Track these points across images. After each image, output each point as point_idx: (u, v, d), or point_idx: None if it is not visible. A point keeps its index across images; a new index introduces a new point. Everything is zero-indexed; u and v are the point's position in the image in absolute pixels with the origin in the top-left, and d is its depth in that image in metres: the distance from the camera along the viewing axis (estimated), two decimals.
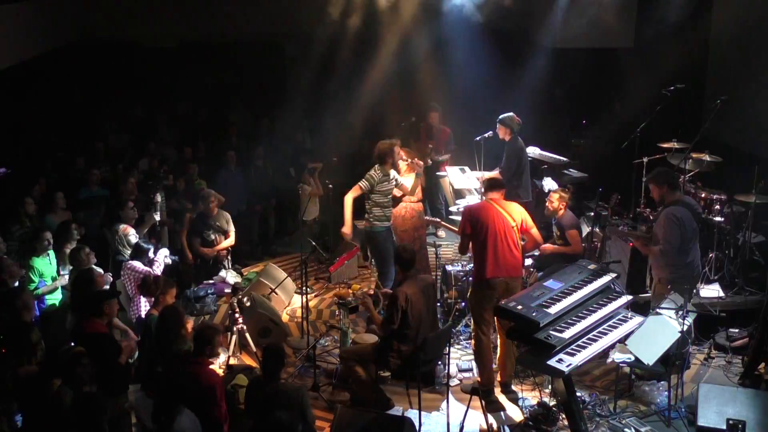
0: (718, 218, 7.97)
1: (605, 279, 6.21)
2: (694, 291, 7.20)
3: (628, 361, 6.31)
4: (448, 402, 6.18)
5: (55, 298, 7.31)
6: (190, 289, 8.60)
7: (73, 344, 5.92)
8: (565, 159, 9.67)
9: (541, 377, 6.62)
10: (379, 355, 6.51)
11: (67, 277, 7.34)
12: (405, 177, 8.46)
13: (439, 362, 6.85)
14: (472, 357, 7.00)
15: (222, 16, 12.56)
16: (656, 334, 6.07)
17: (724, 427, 5.68)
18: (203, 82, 13.10)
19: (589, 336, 5.73)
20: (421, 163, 8.54)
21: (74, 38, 12.18)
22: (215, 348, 5.74)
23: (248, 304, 7.49)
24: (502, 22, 11.72)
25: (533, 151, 9.40)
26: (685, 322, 6.13)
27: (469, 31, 11.31)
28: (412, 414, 6.13)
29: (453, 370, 6.99)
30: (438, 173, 10.32)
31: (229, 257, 9.21)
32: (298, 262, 8.67)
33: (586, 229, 8.41)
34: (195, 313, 8.37)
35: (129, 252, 7.91)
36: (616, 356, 6.37)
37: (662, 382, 6.55)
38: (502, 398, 6.66)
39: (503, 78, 11.15)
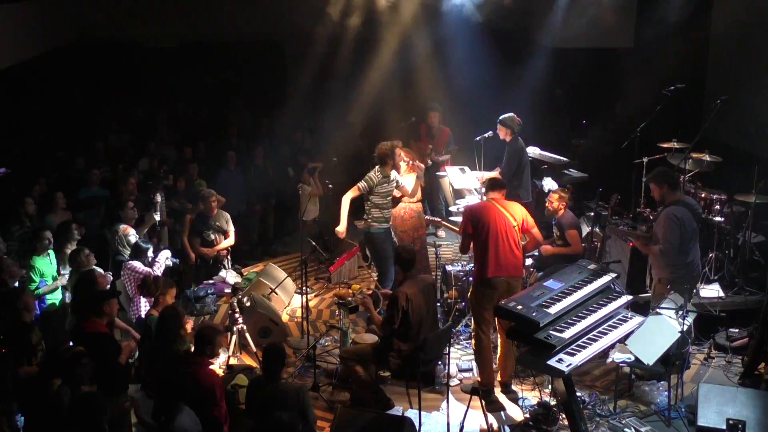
0: (718, 218, 7.97)
1: (605, 279, 6.21)
2: (694, 291, 7.20)
3: (628, 361, 6.31)
4: (448, 402, 6.17)
5: (55, 298, 7.31)
6: (190, 289, 8.60)
7: (72, 344, 5.93)
8: (565, 159, 9.66)
9: (541, 377, 6.62)
10: (379, 355, 6.51)
11: (67, 276, 7.34)
12: (405, 177, 8.46)
13: (439, 362, 6.85)
14: (472, 357, 7.00)
15: (222, 16, 12.56)
16: (656, 334, 6.07)
17: (724, 427, 5.69)
18: (203, 82, 13.09)
19: (589, 336, 5.73)
20: (423, 166, 8.54)
21: (74, 38, 12.19)
22: (216, 348, 5.75)
23: (248, 304, 7.49)
24: (502, 22, 11.72)
25: (533, 151, 9.40)
26: (685, 322, 6.13)
27: (469, 30, 11.31)
28: (412, 414, 6.13)
29: (453, 370, 6.99)
30: (438, 173, 10.32)
31: (228, 257, 9.21)
32: (298, 262, 8.67)
33: (586, 229, 8.42)
34: (195, 313, 8.37)
35: (129, 252, 7.91)
36: (616, 356, 6.37)
37: (662, 382, 6.55)
38: (502, 398, 6.66)
39: (503, 78, 11.15)
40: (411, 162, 8.56)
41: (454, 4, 11.17)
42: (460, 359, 7.31)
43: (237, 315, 7.25)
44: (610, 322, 5.95)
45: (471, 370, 7.10)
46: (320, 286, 9.26)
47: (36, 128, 11.22)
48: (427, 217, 9.15)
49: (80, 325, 6.19)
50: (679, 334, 6.08)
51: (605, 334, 5.81)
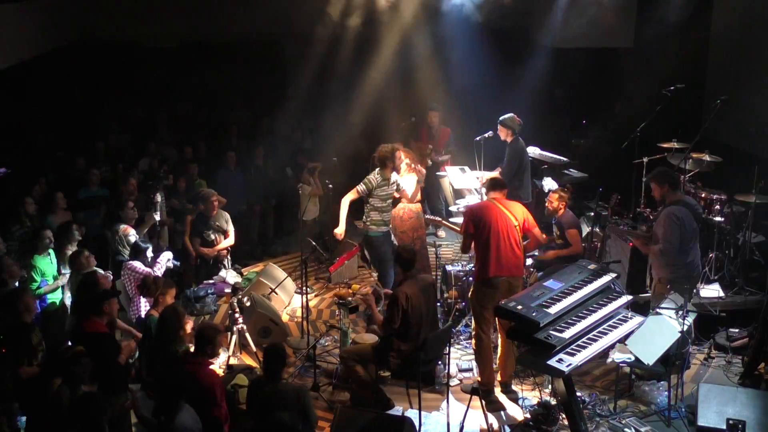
0: (718, 218, 7.97)
1: (605, 279, 6.21)
2: (694, 291, 7.21)
3: (628, 361, 6.32)
4: (448, 402, 6.17)
5: (55, 297, 7.32)
6: (190, 289, 8.60)
7: (72, 344, 5.93)
8: (565, 159, 9.67)
9: (541, 377, 6.63)
10: (379, 355, 6.51)
11: (68, 276, 7.34)
12: (405, 177, 8.45)
13: (439, 362, 6.85)
14: (472, 357, 7.00)
15: (222, 16, 12.56)
16: (656, 334, 6.07)
17: (724, 427, 5.69)
18: (203, 82, 13.10)
19: (589, 336, 5.73)
20: (424, 171, 8.53)
21: (74, 38, 12.19)
22: (216, 347, 5.75)
23: (248, 304, 7.49)
24: (502, 22, 11.72)
25: (533, 151, 9.40)
26: (685, 322, 6.13)
27: (469, 30, 11.31)
28: (412, 414, 6.13)
29: (453, 370, 6.99)
30: (438, 173, 10.32)
31: (228, 257, 9.21)
32: (298, 262, 8.66)
33: (586, 229, 8.42)
34: (195, 313, 8.37)
35: (129, 252, 7.91)
36: (616, 356, 6.37)
37: (662, 382, 6.55)
38: (502, 398, 6.66)
39: (503, 78, 11.15)
40: (413, 165, 8.54)
41: (454, 4, 11.17)
42: (460, 359, 7.31)
43: (237, 315, 7.25)
44: (610, 322, 5.95)
45: (471, 370, 7.10)
46: (320, 286, 9.27)
47: (36, 128, 11.22)
48: (427, 216, 9.15)
49: (80, 325, 6.20)
50: (679, 334, 6.08)
51: (605, 334, 5.81)
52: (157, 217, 8.84)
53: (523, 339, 5.70)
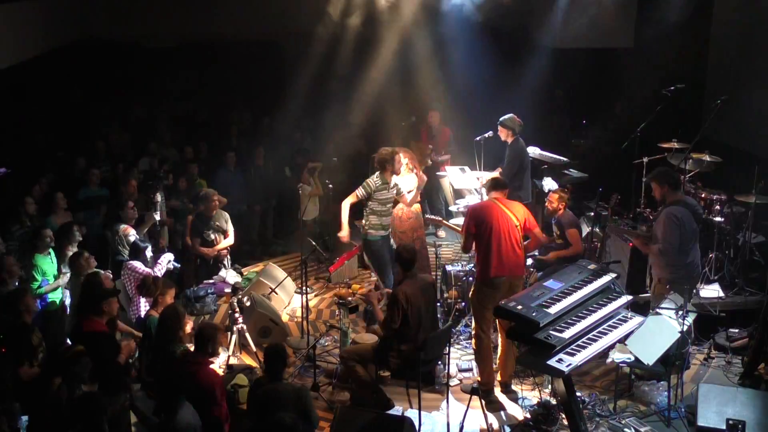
0: (718, 218, 7.97)
1: (605, 279, 6.20)
2: (694, 291, 7.21)
3: (628, 361, 6.31)
4: (448, 402, 6.17)
5: (55, 297, 7.32)
6: (190, 288, 8.60)
7: (72, 343, 5.93)
8: (565, 159, 9.66)
9: (541, 377, 6.63)
10: (379, 355, 6.51)
11: (68, 275, 7.34)
12: (404, 177, 8.44)
13: (439, 362, 6.85)
14: (472, 357, 7.00)
15: (222, 16, 12.55)
16: (656, 334, 6.07)
17: (724, 427, 5.68)
18: (203, 82, 13.09)
19: (589, 336, 5.72)
20: (425, 179, 8.53)
21: (74, 38, 12.18)
22: (217, 345, 5.75)
23: (248, 303, 7.49)
24: (502, 22, 11.72)
25: (533, 151, 9.40)
26: (685, 322, 6.13)
27: (469, 30, 11.31)
28: (412, 414, 6.13)
29: (453, 370, 6.99)
30: (438, 173, 10.32)
31: (228, 257, 9.21)
32: (298, 262, 8.67)
33: (586, 229, 8.41)
34: (195, 312, 8.37)
35: (128, 252, 7.91)
36: (616, 356, 6.37)
37: (662, 382, 6.55)
38: (502, 398, 6.66)
39: (503, 78, 11.15)
40: (414, 168, 8.52)
41: (454, 4, 11.17)
42: (460, 359, 7.31)
43: (237, 315, 7.25)
44: (610, 322, 5.95)
45: (471, 370, 7.10)
46: (320, 286, 9.27)
47: (36, 128, 11.22)
48: (427, 216, 9.15)
49: (79, 324, 6.20)
50: (679, 334, 6.08)
51: (605, 334, 5.81)
52: (157, 217, 8.84)
53: (523, 339, 5.70)
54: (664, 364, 6.27)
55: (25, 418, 5.53)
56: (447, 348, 6.34)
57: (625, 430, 6.14)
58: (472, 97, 11.43)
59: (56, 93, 11.79)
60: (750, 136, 9.99)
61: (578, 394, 6.27)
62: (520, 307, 5.64)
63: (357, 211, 8.26)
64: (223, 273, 8.99)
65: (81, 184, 9.40)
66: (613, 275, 6.33)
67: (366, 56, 11.56)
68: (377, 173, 7.88)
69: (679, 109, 9.58)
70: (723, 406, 5.88)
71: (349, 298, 7.35)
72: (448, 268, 8.12)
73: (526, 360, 5.90)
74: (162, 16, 12.49)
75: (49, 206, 8.48)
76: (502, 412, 6.49)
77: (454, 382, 6.86)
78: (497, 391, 6.71)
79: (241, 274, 9.32)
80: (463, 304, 7.75)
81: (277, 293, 8.46)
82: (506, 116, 8.78)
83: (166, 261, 7.84)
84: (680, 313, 6.12)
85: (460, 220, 8.06)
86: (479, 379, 6.71)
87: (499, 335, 6.72)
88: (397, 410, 6.45)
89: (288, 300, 8.73)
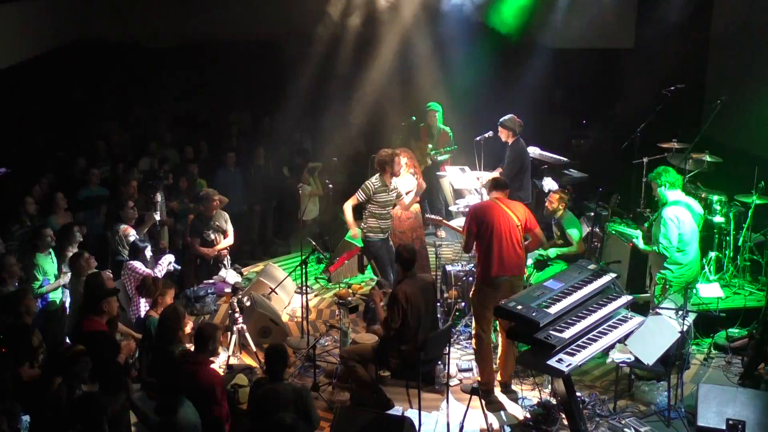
0: (718, 218, 7.97)
1: (605, 279, 6.20)
2: (694, 291, 7.21)
3: (628, 361, 6.31)
4: (448, 402, 6.17)
5: (56, 296, 7.32)
6: (190, 288, 8.60)
7: (72, 343, 5.93)
8: (565, 159, 9.67)
9: (541, 377, 6.62)
10: (379, 355, 6.51)
11: (69, 275, 7.34)
12: (403, 177, 8.43)
13: (439, 362, 6.85)
14: (472, 357, 7.00)
15: (222, 16, 12.56)
16: (656, 334, 6.07)
17: (724, 427, 5.68)
18: (203, 82, 13.09)
19: (589, 336, 5.72)
20: (424, 185, 8.52)
21: (74, 38, 12.18)
22: (217, 344, 5.75)
23: (248, 303, 7.49)
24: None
25: (533, 151, 9.40)
26: (685, 322, 6.13)
27: (469, 30, 11.31)
28: (412, 414, 6.13)
29: (453, 370, 6.99)
30: (438, 173, 10.31)
31: (228, 257, 9.21)
32: (298, 262, 8.66)
33: (586, 229, 8.41)
34: (195, 312, 8.36)
35: (128, 252, 7.91)
36: (616, 356, 6.37)
37: (662, 382, 6.55)
38: (502, 398, 6.66)
39: (503, 78, 11.16)
40: (417, 177, 8.51)
41: (454, 4, 11.18)
42: (460, 359, 7.30)
43: (237, 315, 7.25)
44: (610, 322, 5.95)
45: (471, 370, 7.10)
46: (320, 286, 9.26)
47: (36, 128, 11.23)
48: (427, 215, 9.15)
49: (79, 324, 6.20)
50: (679, 334, 6.08)
51: (605, 334, 5.80)
52: (157, 217, 8.84)
53: (523, 339, 5.70)
54: (664, 364, 6.26)
55: (26, 417, 5.53)
56: (447, 348, 6.34)
57: (625, 430, 6.13)
58: (472, 97, 11.42)
59: (56, 93, 11.79)
60: (750, 136, 9.99)
61: (578, 394, 6.27)
62: (520, 307, 5.64)
63: (357, 212, 8.26)
64: (223, 273, 8.98)
65: (81, 184, 9.41)
66: (613, 275, 6.33)
67: (366, 56, 11.56)
68: (377, 175, 7.88)
69: (679, 109, 9.57)
70: (723, 406, 5.89)
71: (349, 298, 7.34)
72: (448, 268, 8.12)
73: (526, 360, 5.90)
74: (162, 16, 12.49)
75: (50, 206, 8.48)
76: (502, 412, 6.49)
77: (454, 382, 6.85)
78: (497, 391, 6.71)
79: (241, 274, 9.32)
80: (463, 304, 7.75)
81: (277, 293, 8.45)
82: (506, 117, 8.78)
83: (167, 262, 7.84)
84: (680, 313, 6.12)
85: (460, 220, 8.05)
86: (479, 379, 6.71)
87: (500, 335, 6.72)
88: (397, 410, 6.44)
89: (288, 300, 8.73)
